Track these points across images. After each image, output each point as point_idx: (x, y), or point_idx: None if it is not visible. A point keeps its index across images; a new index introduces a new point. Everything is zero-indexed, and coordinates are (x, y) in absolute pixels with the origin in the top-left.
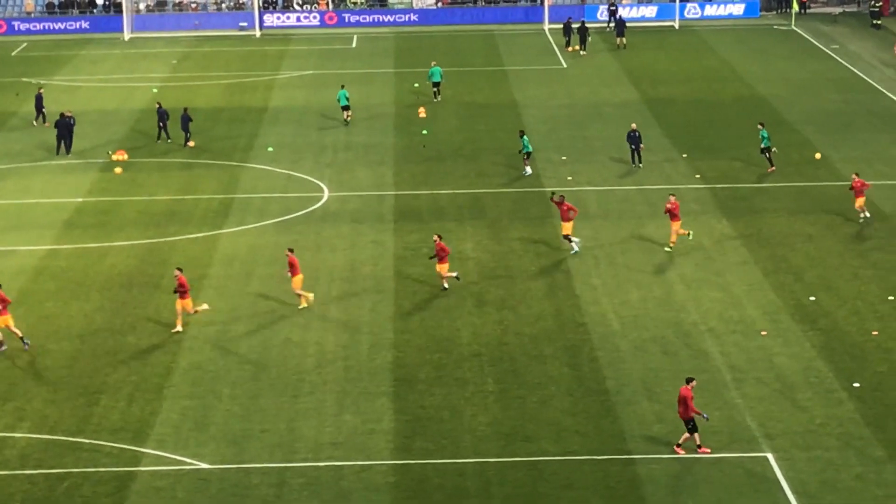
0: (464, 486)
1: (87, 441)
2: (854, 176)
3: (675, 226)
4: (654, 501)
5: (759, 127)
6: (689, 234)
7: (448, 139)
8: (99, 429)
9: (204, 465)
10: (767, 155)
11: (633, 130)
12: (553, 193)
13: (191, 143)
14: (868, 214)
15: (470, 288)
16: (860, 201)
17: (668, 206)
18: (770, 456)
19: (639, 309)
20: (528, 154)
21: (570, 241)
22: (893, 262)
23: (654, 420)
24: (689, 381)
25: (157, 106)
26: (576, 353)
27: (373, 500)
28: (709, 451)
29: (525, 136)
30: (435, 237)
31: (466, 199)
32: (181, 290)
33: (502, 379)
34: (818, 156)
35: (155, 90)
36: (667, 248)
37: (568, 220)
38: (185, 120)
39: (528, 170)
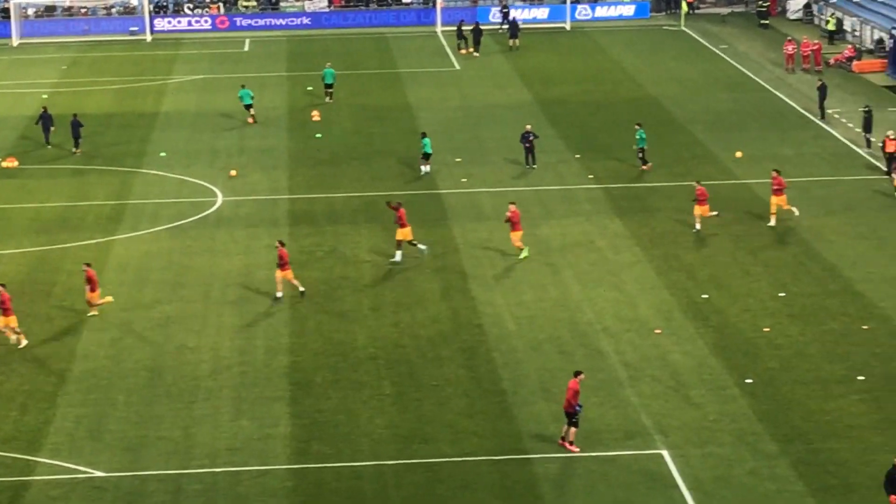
0: (361, 489)
1: None
2: (774, 173)
3: (516, 235)
4: (551, 500)
5: (637, 127)
6: (523, 250)
7: (342, 142)
8: None
9: (99, 473)
10: (641, 155)
11: (528, 132)
12: (389, 202)
13: (77, 151)
14: (796, 211)
15: (365, 291)
16: (780, 199)
17: (508, 214)
18: (665, 453)
19: (534, 309)
20: (428, 155)
21: (415, 245)
22: (783, 259)
23: (550, 419)
24: (576, 374)
25: (43, 110)
26: (472, 355)
27: None
28: (577, 450)
29: (426, 138)
30: (277, 243)
31: (361, 202)
32: (91, 284)
33: (399, 381)
34: (739, 154)
35: (45, 96)
36: (523, 255)
37: (404, 225)
38: (76, 126)
39: (426, 169)
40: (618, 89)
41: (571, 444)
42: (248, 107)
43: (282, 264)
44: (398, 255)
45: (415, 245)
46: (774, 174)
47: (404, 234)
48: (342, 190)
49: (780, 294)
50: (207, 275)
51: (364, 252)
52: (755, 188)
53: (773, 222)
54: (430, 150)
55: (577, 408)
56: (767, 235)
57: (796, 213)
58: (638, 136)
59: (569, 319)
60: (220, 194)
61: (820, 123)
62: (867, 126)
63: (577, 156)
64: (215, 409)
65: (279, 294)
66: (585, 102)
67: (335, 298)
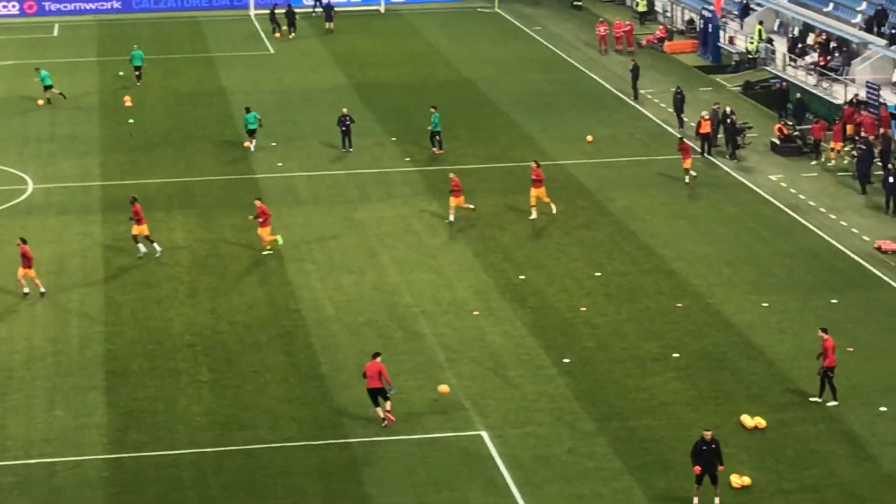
0: (179, 477)
1: None
2: (533, 164)
3: (457, 200)
4: (372, 483)
5: (432, 110)
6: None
7: (155, 127)
8: None
9: None
10: (437, 138)
11: (344, 115)
12: (135, 198)
13: None
14: (554, 209)
15: (181, 277)
16: (539, 191)
17: (452, 185)
18: (484, 434)
19: (352, 293)
20: (253, 131)
21: (151, 242)
22: (598, 238)
23: (370, 403)
24: (375, 355)
25: None
26: (290, 340)
27: (86, 495)
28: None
29: (251, 113)
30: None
31: (176, 187)
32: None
33: (217, 368)
34: (590, 138)
35: None
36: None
37: (140, 222)
38: None
39: (251, 146)
40: (433, 72)
41: (389, 412)
42: (47, 88)
43: (26, 263)
44: (151, 250)
45: (151, 242)
46: (534, 165)
47: (140, 229)
48: (156, 176)
49: (595, 274)
50: (19, 264)
51: (179, 238)
52: (569, 168)
53: (534, 215)
54: (254, 126)
55: (391, 388)
56: (582, 215)
57: (554, 210)
58: (433, 120)
59: (387, 303)
60: (30, 182)
61: (633, 104)
62: (679, 107)
63: (394, 139)
64: (29, 399)
65: (26, 290)
66: (401, 85)
67: (151, 285)
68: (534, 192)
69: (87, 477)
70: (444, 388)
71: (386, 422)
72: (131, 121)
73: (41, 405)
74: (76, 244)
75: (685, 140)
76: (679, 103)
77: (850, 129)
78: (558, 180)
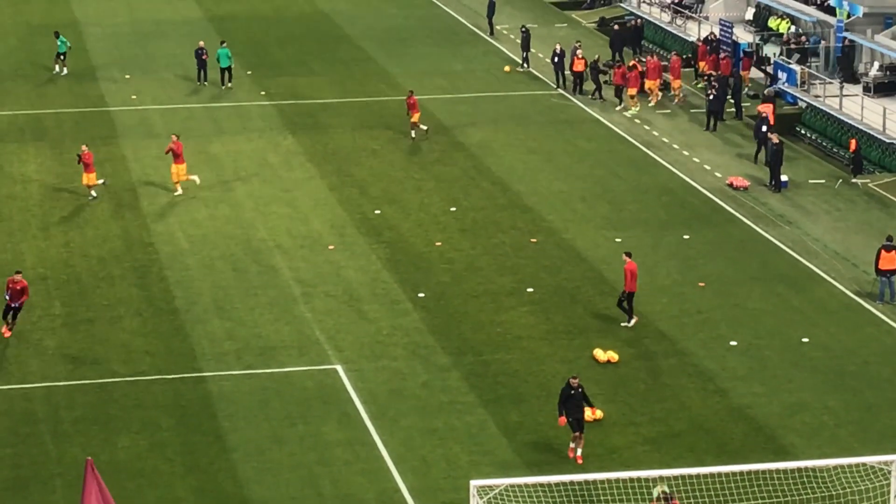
0: (32, 410)
1: None
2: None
3: (180, 168)
4: (226, 417)
5: (221, 44)
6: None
7: (7, 58)
8: None
9: None
10: (229, 74)
11: (201, 48)
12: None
13: None
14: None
15: (33, 210)
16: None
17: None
18: (339, 368)
19: (207, 227)
20: (63, 55)
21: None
22: (453, 173)
23: (224, 337)
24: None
25: None
26: (144, 274)
27: None
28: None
29: (61, 37)
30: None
31: (27, 119)
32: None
33: (69, 302)
34: (507, 69)
35: None
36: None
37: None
38: None
39: (60, 70)
40: (289, 5)
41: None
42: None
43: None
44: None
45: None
46: (174, 138)
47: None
48: (7, 108)
49: (451, 209)
50: None
51: (32, 171)
52: (426, 104)
53: (179, 191)
54: (63, 49)
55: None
56: (438, 150)
57: (197, 181)
58: (220, 55)
59: (242, 237)
60: None
61: (489, 39)
62: (525, 45)
63: (249, 72)
64: None
65: None
66: (256, 18)
67: (2, 218)
68: (175, 168)
69: None
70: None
71: None
72: None
73: None
74: None
75: (413, 94)
76: (525, 42)
77: (702, 66)
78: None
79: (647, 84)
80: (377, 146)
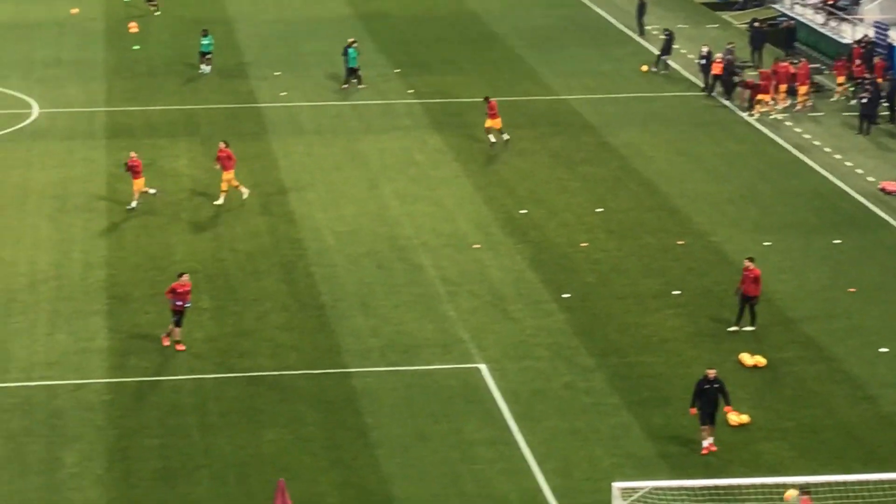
0: (180, 402)
1: None
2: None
3: (138, 183)
4: (370, 413)
5: (351, 44)
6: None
7: (160, 54)
8: None
9: None
10: (358, 73)
11: (351, 45)
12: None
13: None
14: (506, 137)
15: (184, 204)
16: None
17: (130, 162)
18: (483, 367)
19: (353, 224)
20: (207, 54)
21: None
22: (600, 174)
23: (369, 334)
24: (180, 275)
25: None
26: (291, 269)
27: (87, 418)
28: (183, 348)
29: (208, 36)
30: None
31: (179, 115)
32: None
33: (218, 295)
34: (644, 68)
35: None
36: (130, 206)
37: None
38: None
39: (204, 68)
40: (438, 4)
41: (178, 343)
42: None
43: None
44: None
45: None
46: (222, 146)
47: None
48: (160, 103)
49: (597, 209)
50: (23, 188)
51: (183, 166)
52: (573, 103)
53: (221, 200)
54: (208, 49)
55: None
56: (585, 150)
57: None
58: (352, 55)
59: (388, 234)
60: (35, 106)
61: (638, 40)
62: (666, 48)
63: (397, 70)
64: (31, 322)
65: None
66: (406, 17)
67: (153, 212)
68: (226, 175)
69: (87, 400)
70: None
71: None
72: (137, 47)
73: (43, 328)
74: (80, 169)
75: (490, 99)
76: (667, 44)
77: (855, 69)
78: (562, 115)
79: (799, 88)
80: (524, 145)
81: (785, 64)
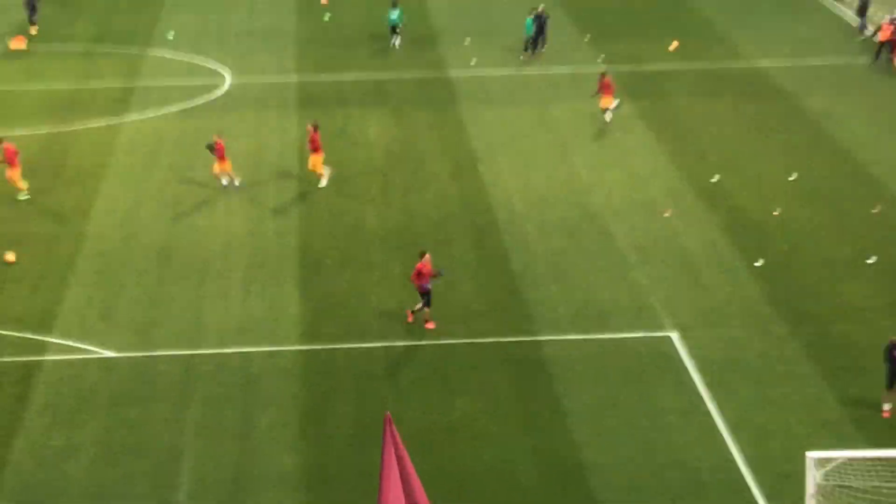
0: (371, 369)
1: None
2: (309, 128)
3: (223, 166)
4: (560, 380)
5: (394, 5)
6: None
7: (351, 24)
8: (3, 318)
9: (110, 354)
10: (539, 40)
11: (540, 13)
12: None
13: (31, 31)
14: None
15: (375, 174)
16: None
17: (216, 144)
18: (674, 335)
19: (544, 191)
20: (396, 28)
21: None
22: (795, 142)
23: (559, 301)
24: (422, 254)
25: None
26: (481, 236)
27: (281, 384)
28: (433, 326)
29: (397, 8)
30: (309, 127)
31: (370, 84)
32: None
33: (409, 263)
34: (675, 45)
35: None
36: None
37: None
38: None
39: (396, 42)
40: None
41: (427, 321)
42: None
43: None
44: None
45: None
46: (310, 129)
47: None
48: (351, 72)
49: (790, 177)
50: (214, 158)
51: (374, 135)
52: (767, 70)
53: (324, 182)
54: (398, 22)
55: (440, 273)
56: (779, 117)
57: (324, 180)
58: (527, 23)
59: (578, 201)
60: (228, 76)
61: (835, 3)
62: (862, 10)
63: (587, 37)
64: (225, 289)
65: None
66: None
67: (345, 180)
68: (312, 158)
69: (281, 366)
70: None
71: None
72: (328, 16)
73: (237, 296)
74: (272, 138)
75: (607, 76)
76: (862, 6)
77: None
78: (755, 82)
79: None
80: (717, 113)
81: None
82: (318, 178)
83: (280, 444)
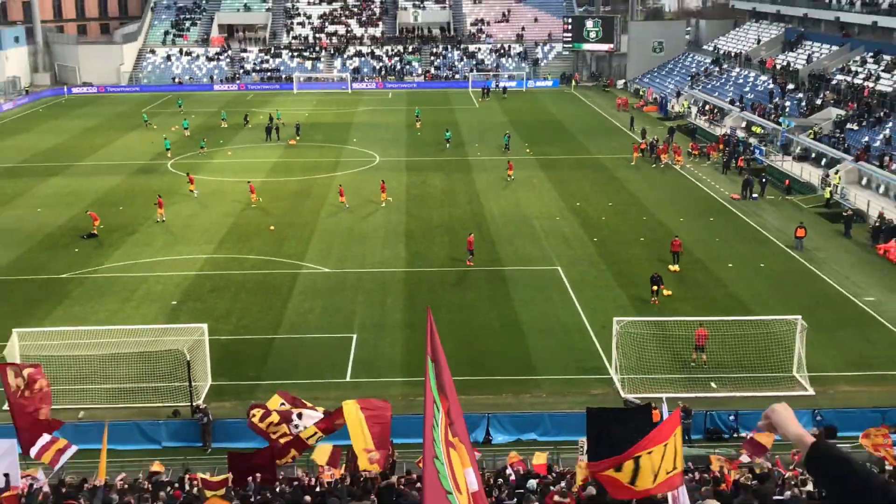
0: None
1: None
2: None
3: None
4: (517, 289)
5: (507, 133)
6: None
7: (427, 137)
8: (281, 255)
9: (327, 270)
10: (508, 145)
11: (506, 134)
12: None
13: (291, 142)
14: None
15: (437, 197)
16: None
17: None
18: (559, 268)
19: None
20: (448, 139)
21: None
22: (610, 189)
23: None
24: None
25: (269, 120)
26: (471, 229)
27: (399, 287)
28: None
29: (448, 132)
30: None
31: (433, 163)
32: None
33: (456, 240)
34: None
35: (278, 113)
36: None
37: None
38: (298, 127)
39: (447, 145)
40: (542, 116)
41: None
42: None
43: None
44: None
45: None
46: (382, 182)
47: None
48: (428, 157)
49: (609, 203)
50: (374, 190)
51: (434, 182)
52: (600, 160)
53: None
54: (448, 136)
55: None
56: (606, 179)
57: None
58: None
59: (518, 214)
60: (377, 157)
61: (629, 131)
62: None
63: (527, 145)
64: (374, 247)
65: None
66: (533, 122)
67: (422, 200)
68: None
69: (399, 279)
70: None
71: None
72: (420, 133)
73: (378, 248)
74: (394, 183)
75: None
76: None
77: None
78: (594, 165)
79: None
80: (579, 177)
81: None
82: (384, 200)
83: (396, 312)
